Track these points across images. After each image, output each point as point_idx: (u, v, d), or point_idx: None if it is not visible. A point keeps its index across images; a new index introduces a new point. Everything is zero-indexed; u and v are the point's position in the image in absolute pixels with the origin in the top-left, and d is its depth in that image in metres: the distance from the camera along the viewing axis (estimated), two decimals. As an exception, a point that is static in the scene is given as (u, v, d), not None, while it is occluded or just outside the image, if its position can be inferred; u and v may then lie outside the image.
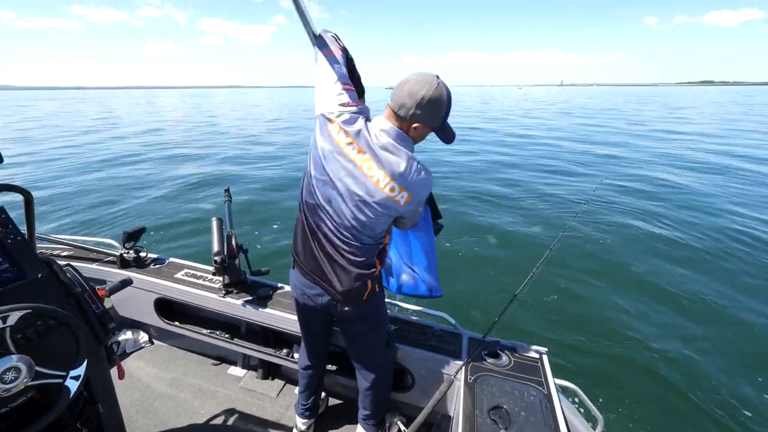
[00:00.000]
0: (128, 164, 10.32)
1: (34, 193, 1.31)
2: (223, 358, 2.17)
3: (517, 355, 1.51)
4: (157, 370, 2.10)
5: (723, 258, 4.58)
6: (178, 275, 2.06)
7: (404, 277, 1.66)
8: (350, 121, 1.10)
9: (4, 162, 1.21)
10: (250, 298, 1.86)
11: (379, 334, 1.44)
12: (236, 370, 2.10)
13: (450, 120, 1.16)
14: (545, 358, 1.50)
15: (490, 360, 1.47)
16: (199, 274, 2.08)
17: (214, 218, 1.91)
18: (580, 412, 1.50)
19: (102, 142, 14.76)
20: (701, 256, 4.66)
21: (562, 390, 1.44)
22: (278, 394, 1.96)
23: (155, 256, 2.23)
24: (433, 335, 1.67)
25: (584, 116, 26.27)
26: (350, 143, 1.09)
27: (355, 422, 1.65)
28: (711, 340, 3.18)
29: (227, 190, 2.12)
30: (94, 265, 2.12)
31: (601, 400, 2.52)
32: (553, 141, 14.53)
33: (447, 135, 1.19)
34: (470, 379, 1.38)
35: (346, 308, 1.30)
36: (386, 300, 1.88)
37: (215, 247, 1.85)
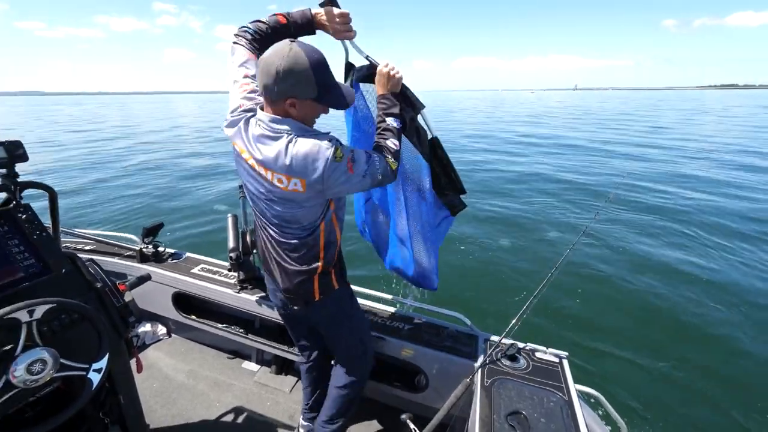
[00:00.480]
0: (151, 164, 10.60)
1: (59, 191, 1.35)
2: (238, 353, 2.19)
3: (535, 358, 1.47)
4: (175, 362, 2.14)
5: (759, 262, 4.40)
6: (195, 270, 2.09)
7: (396, 252, 1.53)
8: (231, 125, 1.07)
9: (30, 161, 1.26)
10: (265, 294, 1.87)
11: (348, 340, 1.37)
12: (250, 365, 2.11)
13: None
14: (566, 362, 1.44)
15: (507, 363, 1.43)
16: (214, 269, 2.11)
17: (229, 215, 1.93)
18: (603, 422, 1.44)
19: (128, 146, 15.23)
20: (735, 256, 4.48)
21: (584, 396, 1.39)
22: (291, 390, 1.96)
23: (172, 251, 2.27)
24: (448, 336, 1.64)
25: (600, 119, 25.74)
26: (235, 145, 1.08)
27: (363, 420, 1.63)
28: (747, 350, 3.02)
29: (242, 187, 2.14)
30: (115, 259, 2.17)
31: (632, 419, 2.41)
32: (570, 144, 14.28)
33: (333, 102, 1.03)
34: (487, 382, 1.34)
35: (296, 307, 1.26)
36: (400, 299, 1.86)
37: (230, 244, 1.86)
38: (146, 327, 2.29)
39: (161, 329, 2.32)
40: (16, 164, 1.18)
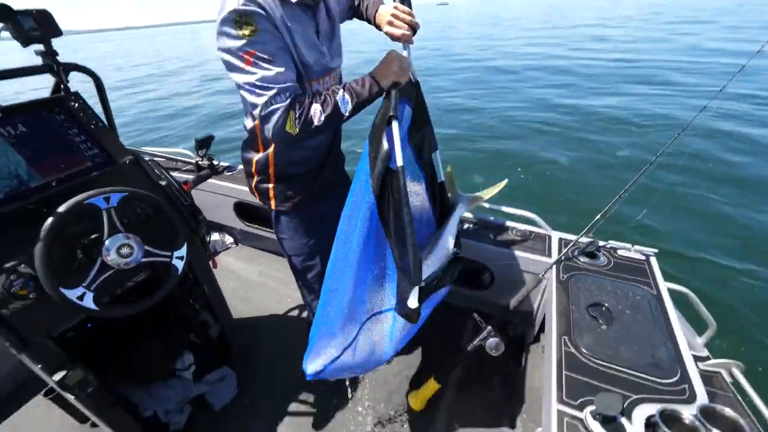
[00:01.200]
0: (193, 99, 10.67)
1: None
2: None
3: (618, 255, 1.36)
4: (246, 265, 2.31)
5: None
6: None
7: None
8: None
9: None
10: None
11: (286, 249, 1.35)
12: None
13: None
14: (653, 260, 1.33)
15: (585, 260, 1.34)
16: None
17: None
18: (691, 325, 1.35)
19: (162, 79, 15.29)
20: None
21: (672, 295, 1.29)
22: None
23: (226, 164, 2.30)
24: (517, 234, 1.57)
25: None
26: None
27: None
28: None
29: None
30: (174, 173, 2.24)
31: (723, 323, 2.23)
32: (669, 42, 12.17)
33: None
34: (563, 277, 1.27)
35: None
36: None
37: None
38: (215, 236, 2.46)
39: (229, 238, 2.49)
40: (52, 39, 1.08)
